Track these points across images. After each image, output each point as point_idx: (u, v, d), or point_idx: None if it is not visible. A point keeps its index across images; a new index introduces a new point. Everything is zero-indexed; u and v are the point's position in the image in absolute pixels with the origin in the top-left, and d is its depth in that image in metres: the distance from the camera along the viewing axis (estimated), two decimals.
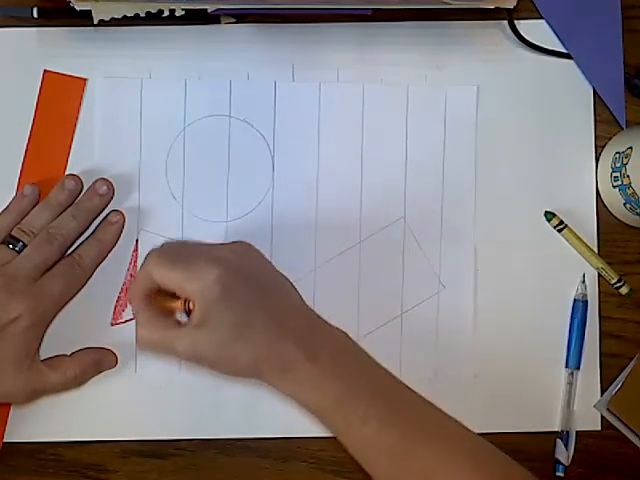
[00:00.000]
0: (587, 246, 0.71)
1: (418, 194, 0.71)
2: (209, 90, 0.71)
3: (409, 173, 0.71)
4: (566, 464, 0.70)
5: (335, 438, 0.69)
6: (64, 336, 0.68)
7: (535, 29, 0.71)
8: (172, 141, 0.71)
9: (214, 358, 0.59)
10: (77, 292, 0.68)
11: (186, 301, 0.62)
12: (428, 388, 0.70)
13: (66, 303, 0.67)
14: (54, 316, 0.67)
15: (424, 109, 0.71)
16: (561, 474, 0.70)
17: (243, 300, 0.59)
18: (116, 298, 0.70)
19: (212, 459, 0.70)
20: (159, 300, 0.62)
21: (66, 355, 0.68)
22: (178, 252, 0.61)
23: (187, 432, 0.70)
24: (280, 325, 0.59)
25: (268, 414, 0.70)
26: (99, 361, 0.68)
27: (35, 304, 0.63)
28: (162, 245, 0.63)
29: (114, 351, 0.69)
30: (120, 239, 0.69)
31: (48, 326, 0.66)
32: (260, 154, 0.71)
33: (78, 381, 0.67)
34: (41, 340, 0.66)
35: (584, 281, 0.71)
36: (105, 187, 0.68)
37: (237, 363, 0.59)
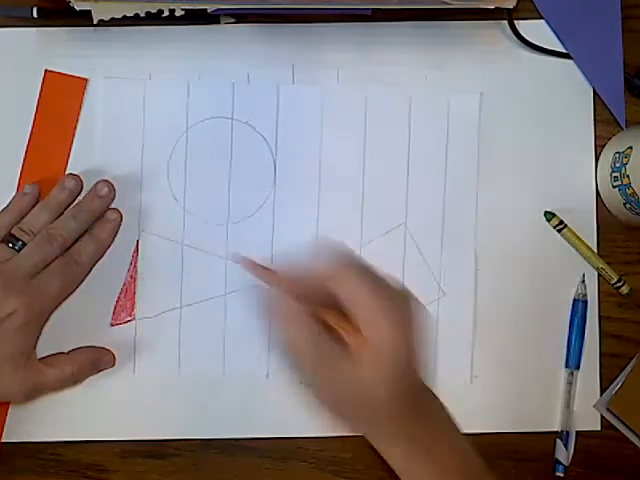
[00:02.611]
0: (587, 246, 0.71)
1: (420, 200, 0.71)
2: (211, 92, 0.71)
3: (411, 178, 0.71)
4: (566, 464, 0.70)
5: (335, 438, 0.70)
6: (64, 336, 0.68)
7: (535, 29, 0.71)
8: (174, 143, 0.70)
9: (360, 399, 0.56)
10: (74, 290, 0.67)
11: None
12: None
13: (63, 300, 0.67)
14: (50, 313, 0.66)
15: (426, 115, 0.71)
16: (561, 474, 0.70)
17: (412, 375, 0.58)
18: (116, 299, 0.70)
19: (212, 459, 0.70)
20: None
21: (64, 353, 0.68)
22: (382, 282, 0.57)
23: (187, 432, 0.70)
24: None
25: (268, 414, 0.70)
26: (97, 360, 0.68)
27: (31, 300, 0.63)
28: (353, 259, 0.59)
29: (113, 351, 0.69)
30: (121, 240, 0.69)
31: (45, 323, 0.66)
32: (262, 157, 0.71)
33: (75, 379, 0.67)
34: (37, 337, 0.66)
35: (584, 281, 0.71)
36: (106, 189, 0.68)
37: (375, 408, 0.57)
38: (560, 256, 0.71)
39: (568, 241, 0.71)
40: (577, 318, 0.70)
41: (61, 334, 0.68)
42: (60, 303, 0.67)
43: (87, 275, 0.68)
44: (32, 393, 0.66)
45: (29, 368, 0.64)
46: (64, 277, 0.65)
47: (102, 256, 0.68)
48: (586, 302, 0.71)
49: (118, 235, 0.69)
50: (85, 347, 0.69)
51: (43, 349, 0.67)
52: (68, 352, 0.68)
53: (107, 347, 0.69)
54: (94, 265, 0.68)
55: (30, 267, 0.64)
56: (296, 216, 0.71)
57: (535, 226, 0.71)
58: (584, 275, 0.71)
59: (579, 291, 0.71)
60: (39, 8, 0.69)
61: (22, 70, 0.70)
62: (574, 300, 0.71)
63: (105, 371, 0.69)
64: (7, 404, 0.69)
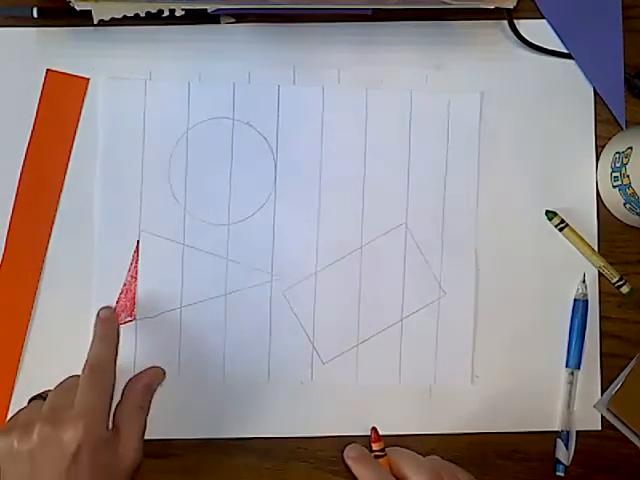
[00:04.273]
0: (588, 245, 0.71)
1: (420, 200, 0.71)
2: (212, 93, 0.71)
3: (411, 178, 0.71)
4: (566, 464, 0.70)
5: (335, 438, 0.70)
6: (65, 337, 0.69)
7: (535, 29, 0.71)
8: (175, 143, 0.70)
9: None
10: (112, 397, 0.64)
11: None
12: (428, 391, 0.70)
13: (110, 406, 0.64)
14: (111, 401, 0.64)
15: (427, 115, 0.71)
16: (561, 474, 0.70)
17: None
18: (116, 299, 0.70)
19: (212, 459, 0.70)
20: None
21: (120, 401, 0.66)
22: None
23: (187, 432, 0.70)
24: None
25: (268, 414, 0.70)
26: (150, 384, 0.68)
27: (85, 421, 0.60)
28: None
29: None
30: (121, 240, 0.69)
31: (108, 418, 0.63)
32: (262, 157, 0.71)
33: (145, 417, 0.66)
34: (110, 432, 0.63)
35: (584, 281, 0.71)
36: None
37: None
38: (560, 256, 0.71)
39: (569, 240, 0.71)
40: (578, 318, 0.70)
41: (62, 334, 0.69)
42: (109, 412, 0.64)
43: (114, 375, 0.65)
44: (139, 454, 0.64)
45: (122, 449, 0.63)
46: (97, 387, 0.63)
47: (117, 355, 0.67)
48: (587, 302, 0.71)
49: (118, 234, 0.69)
50: (131, 380, 0.68)
51: (44, 350, 0.68)
52: (121, 399, 0.66)
53: None
54: (115, 365, 0.66)
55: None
56: (297, 216, 0.71)
57: (535, 226, 0.71)
58: (585, 275, 0.71)
59: (580, 291, 0.71)
60: (39, 8, 0.69)
61: (22, 70, 0.70)
62: (575, 300, 0.71)
63: None
64: (7, 405, 0.69)
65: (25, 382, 0.70)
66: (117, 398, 0.66)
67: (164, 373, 0.70)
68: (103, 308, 0.69)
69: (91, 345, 0.66)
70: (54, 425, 0.60)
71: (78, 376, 0.63)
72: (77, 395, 0.62)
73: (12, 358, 0.70)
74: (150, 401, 0.68)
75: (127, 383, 0.67)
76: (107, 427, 0.62)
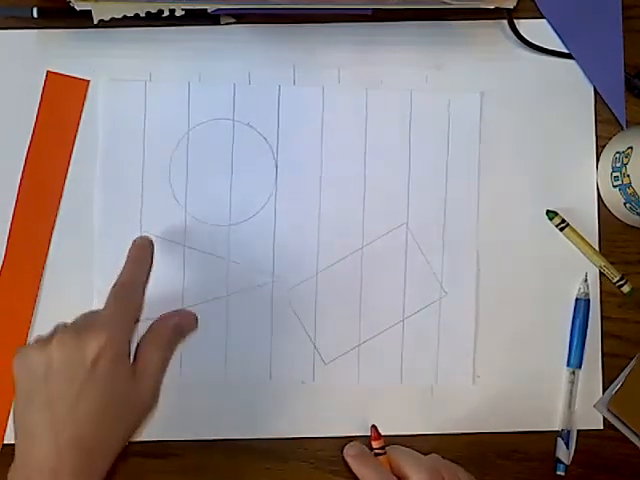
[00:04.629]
0: (589, 245, 0.71)
1: (421, 200, 0.71)
2: (212, 93, 0.71)
3: (412, 178, 0.71)
4: (567, 463, 0.70)
5: (335, 438, 0.70)
6: None
7: (535, 29, 0.71)
8: (175, 144, 0.70)
9: None
10: (137, 319, 0.64)
11: None
12: (429, 391, 0.71)
13: (134, 329, 0.63)
14: (137, 322, 0.64)
15: (427, 115, 0.71)
16: (562, 473, 0.70)
17: None
18: None
19: (212, 459, 0.70)
20: None
21: (145, 335, 0.64)
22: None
23: (188, 433, 0.70)
24: None
25: (268, 414, 0.70)
26: (180, 326, 0.66)
27: (109, 332, 0.59)
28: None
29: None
30: (122, 241, 0.69)
31: (132, 336, 0.62)
32: (263, 158, 0.71)
33: (168, 356, 0.64)
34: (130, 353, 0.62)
35: (586, 280, 0.71)
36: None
37: None
38: (561, 256, 0.71)
39: (570, 240, 0.71)
40: (579, 317, 0.70)
41: None
42: (137, 320, 0.64)
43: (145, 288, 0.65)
44: (154, 399, 0.63)
45: (137, 382, 0.61)
46: (121, 300, 0.63)
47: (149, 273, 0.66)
48: (588, 301, 0.71)
49: (118, 236, 0.69)
50: (161, 316, 0.66)
51: None
52: (147, 331, 0.64)
53: None
54: (147, 281, 0.66)
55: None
56: (297, 217, 0.71)
57: (536, 225, 0.71)
58: (587, 274, 0.71)
59: (582, 290, 0.71)
60: (39, 8, 0.69)
61: (22, 71, 0.70)
62: (576, 299, 0.71)
63: None
64: (9, 406, 0.69)
65: None
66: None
67: (196, 321, 0.67)
68: (140, 236, 0.68)
69: (124, 267, 0.65)
70: (76, 331, 0.59)
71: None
72: (103, 308, 0.61)
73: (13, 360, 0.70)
74: (176, 345, 0.65)
75: (157, 319, 0.65)
76: (129, 347, 0.61)
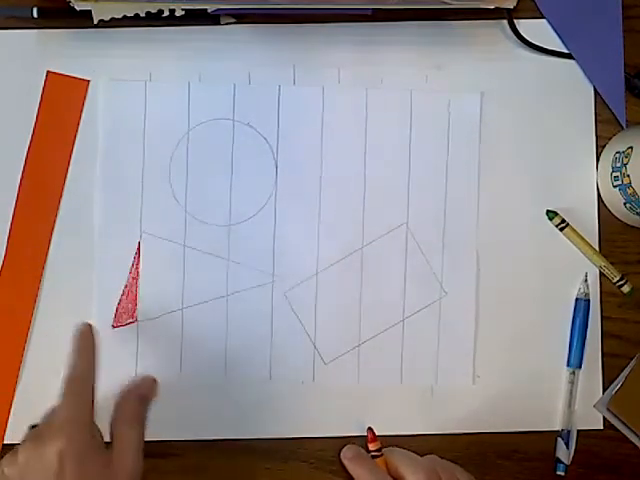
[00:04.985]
0: (589, 245, 0.71)
1: (421, 200, 0.71)
2: (212, 93, 0.71)
3: (412, 178, 0.71)
4: (567, 463, 0.70)
5: (335, 438, 0.70)
6: (66, 339, 0.68)
7: (535, 29, 0.71)
8: (175, 144, 0.70)
9: None
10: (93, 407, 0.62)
11: None
12: (429, 391, 0.71)
13: (92, 416, 0.62)
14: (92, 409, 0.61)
15: (427, 115, 0.71)
16: (562, 473, 0.70)
17: None
18: (118, 300, 0.70)
19: (212, 459, 0.70)
20: None
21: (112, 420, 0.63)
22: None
23: (187, 433, 0.70)
24: None
25: (269, 414, 0.70)
26: (143, 396, 0.64)
27: (64, 432, 0.58)
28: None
29: (115, 353, 0.68)
30: (122, 242, 0.69)
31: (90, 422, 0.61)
32: (263, 158, 0.71)
33: (143, 432, 0.63)
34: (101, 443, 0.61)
35: (586, 280, 0.71)
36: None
37: None
38: (561, 256, 0.71)
39: (570, 240, 0.71)
40: (580, 317, 0.70)
41: (63, 336, 0.68)
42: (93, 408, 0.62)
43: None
44: (138, 471, 0.61)
45: (118, 463, 0.60)
46: (70, 397, 0.61)
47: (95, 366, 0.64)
48: (588, 301, 0.71)
49: (119, 236, 0.70)
50: (122, 392, 0.64)
51: (46, 352, 0.69)
52: (113, 411, 0.63)
53: (108, 349, 0.66)
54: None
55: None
56: (297, 217, 0.71)
57: (536, 225, 0.71)
58: (587, 274, 0.71)
59: (582, 290, 0.71)
60: (39, 8, 0.69)
61: (22, 72, 0.70)
62: (577, 299, 0.71)
63: (106, 372, 0.68)
64: (9, 406, 0.69)
65: (26, 384, 0.70)
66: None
67: (157, 384, 0.66)
68: (81, 323, 0.65)
69: (69, 360, 0.63)
70: (35, 442, 0.59)
71: None
72: (56, 411, 0.60)
73: (13, 361, 0.70)
74: (146, 415, 0.64)
75: (118, 395, 0.64)
76: (93, 436, 0.60)
